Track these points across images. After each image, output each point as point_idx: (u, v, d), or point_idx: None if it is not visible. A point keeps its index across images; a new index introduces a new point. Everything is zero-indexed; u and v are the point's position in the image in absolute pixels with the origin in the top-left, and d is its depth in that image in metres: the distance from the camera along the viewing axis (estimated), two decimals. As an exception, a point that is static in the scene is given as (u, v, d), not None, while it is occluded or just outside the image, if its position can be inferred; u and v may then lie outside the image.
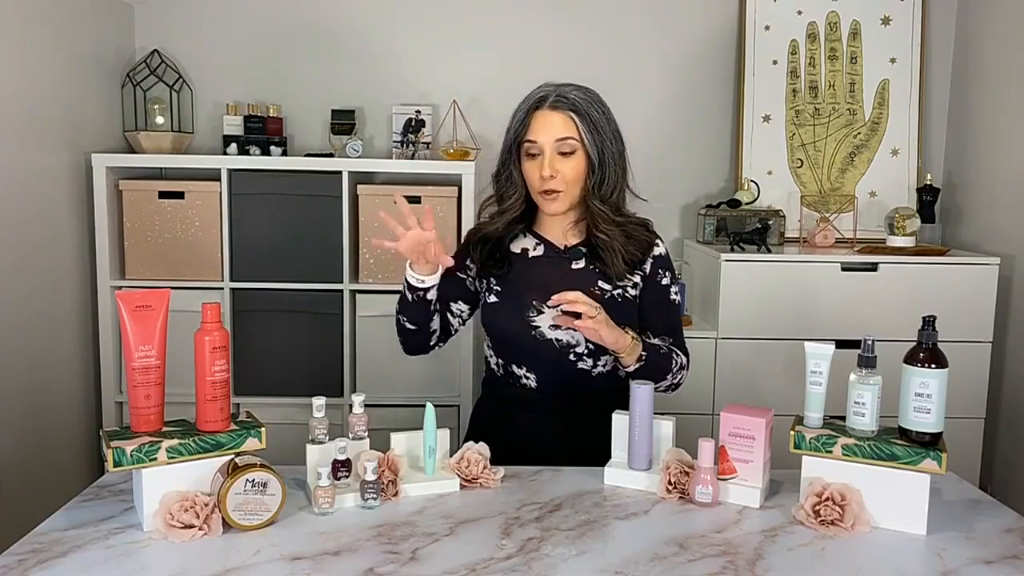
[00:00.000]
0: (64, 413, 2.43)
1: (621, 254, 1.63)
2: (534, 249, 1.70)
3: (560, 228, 1.69)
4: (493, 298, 1.68)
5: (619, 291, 1.65)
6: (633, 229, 1.66)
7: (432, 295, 1.61)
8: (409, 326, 1.67)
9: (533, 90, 1.64)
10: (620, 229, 1.64)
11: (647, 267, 1.68)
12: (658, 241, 1.70)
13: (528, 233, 1.72)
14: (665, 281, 1.69)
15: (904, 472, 1.30)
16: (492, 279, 1.69)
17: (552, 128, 1.58)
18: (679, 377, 1.68)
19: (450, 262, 1.58)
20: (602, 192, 1.62)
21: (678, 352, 1.68)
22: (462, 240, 1.74)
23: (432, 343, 1.72)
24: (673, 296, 1.70)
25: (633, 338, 1.56)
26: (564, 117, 1.59)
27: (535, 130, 1.59)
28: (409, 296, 1.62)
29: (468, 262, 1.71)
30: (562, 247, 1.69)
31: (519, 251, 1.70)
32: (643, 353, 1.58)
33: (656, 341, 1.66)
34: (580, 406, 1.67)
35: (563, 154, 1.59)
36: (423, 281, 1.58)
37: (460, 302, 1.72)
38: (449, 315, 1.72)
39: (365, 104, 2.84)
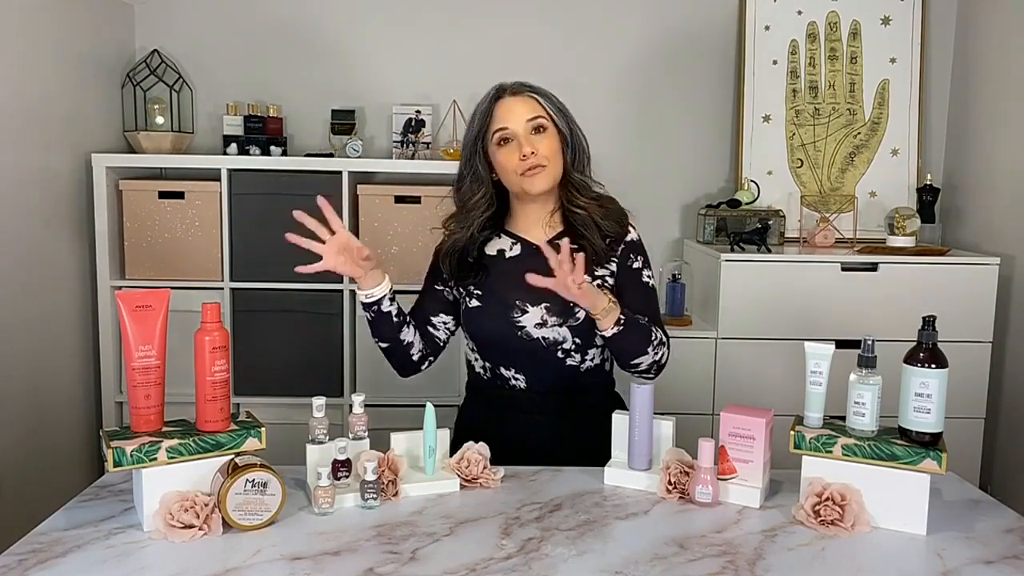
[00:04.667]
0: (64, 413, 2.43)
1: (599, 229, 1.63)
2: (511, 249, 1.69)
3: (538, 222, 1.68)
4: (475, 303, 1.66)
5: (597, 281, 1.64)
6: (605, 200, 1.68)
7: (389, 307, 1.61)
8: (382, 345, 1.67)
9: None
10: (596, 202, 1.66)
11: (619, 252, 1.67)
12: (631, 227, 1.70)
13: (503, 234, 1.70)
14: (636, 265, 1.68)
15: (904, 472, 1.30)
16: (470, 284, 1.67)
17: (520, 111, 1.61)
18: (660, 354, 1.62)
19: (368, 251, 1.55)
20: (576, 165, 1.66)
21: (656, 330, 1.64)
22: (431, 266, 1.74)
23: (417, 359, 1.70)
24: (646, 279, 1.69)
25: (611, 300, 1.54)
26: (528, 99, 1.62)
27: (503, 117, 1.61)
28: (368, 315, 1.62)
29: (444, 275, 1.70)
30: (538, 245, 1.68)
31: (495, 253, 1.69)
32: (621, 317, 1.55)
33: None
34: (571, 403, 1.67)
35: (535, 132, 1.60)
36: (372, 295, 1.59)
37: (442, 315, 1.71)
38: (432, 329, 1.71)
39: (365, 104, 2.84)
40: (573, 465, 1.55)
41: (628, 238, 1.69)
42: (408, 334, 1.67)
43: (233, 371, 2.18)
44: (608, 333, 1.56)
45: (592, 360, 1.67)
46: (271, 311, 2.57)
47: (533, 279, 1.48)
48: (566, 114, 1.65)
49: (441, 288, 1.71)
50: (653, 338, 1.61)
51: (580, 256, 1.46)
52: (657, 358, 1.62)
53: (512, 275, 1.64)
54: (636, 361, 1.60)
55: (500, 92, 1.64)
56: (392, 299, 1.62)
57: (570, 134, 1.64)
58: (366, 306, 1.61)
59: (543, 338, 1.63)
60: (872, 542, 1.28)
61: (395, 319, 1.64)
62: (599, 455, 1.53)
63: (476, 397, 1.76)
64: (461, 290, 1.70)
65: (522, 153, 1.58)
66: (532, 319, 1.63)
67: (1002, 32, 2.62)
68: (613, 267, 1.67)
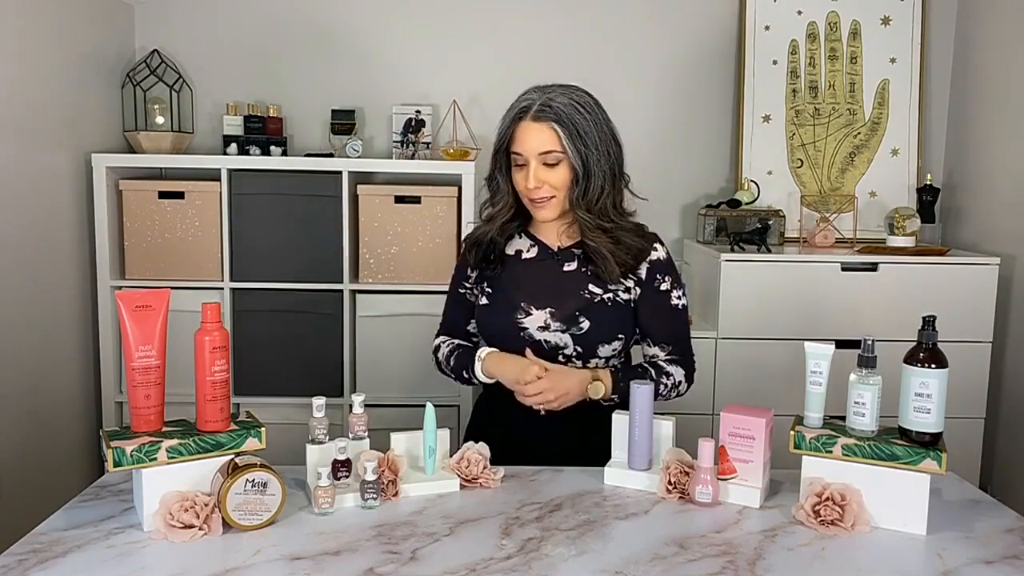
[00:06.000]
0: (64, 413, 2.43)
1: (612, 260, 1.60)
2: (528, 251, 1.70)
3: (555, 230, 1.69)
4: (484, 300, 1.69)
5: (609, 295, 1.63)
6: (624, 235, 1.62)
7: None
8: (459, 383, 1.77)
9: (520, 95, 1.62)
10: (608, 236, 1.60)
11: (643, 272, 1.64)
12: (656, 245, 1.65)
13: (523, 234, 1.72)
14: (664, 287, 1.65)
15: (904, 472, 1.30)
16: (484, 282, 1.70)
17: (535, 141, 1.56)
18: (673, 395, 1.67)
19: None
20: (587, 200, 1.58)
21: (672, 370, 1.65)
22: (460, 256, 1.78)
23: None
24: (675, 301, 1.66)
25: (591, 382, 1.59)
26: (546, 128, 1.55)
27: (519, 141, 1.58)
28: (475, 382, 1.70)
29: (468, 271, 1.73)
30: (556, 248, 1.68)
31: (513, 252, 1.70)
32: (614, 397, 1.61)
33: (655, 352, 1.67)
34: (575, 407, 1.66)
35: (548, 165, 1.58)
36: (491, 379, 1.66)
37: (474, 322, 1.75)
38: (473, 338, 1.77)
39: (365, 104, 2.84)
40: (579, 466, 1.55)
41: (653, 257, 1.64)
42: None
43: (233, 371, 2.19)
44: (607, 402, 1.62)
45: (595, 367, 1.65)
46: (271, 311, 2.56)
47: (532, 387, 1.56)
48: (587, 142, 1.56)
49: (465, 292, 1.75)
50: (662, 390, 1.64)
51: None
52: (671, 398, 1.68)
53: (524, 276, 1.66)
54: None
55: (523, 113, 1.57)
56: None
57: (584, 169, 1.56)
58: (481, 382, 1.68)
59: (545, 341, 1.63)
60: (872, 542, 1.28)
61: None
62: (604, 457, 1.53)
63: (488, 394, 1.78)
64: (477, 286, 1.72)
65: (527, 184, 1.58)
66: (535, 322, 1.63)
67: (1002, 32, 2.62)
68: (630, 283, 1.64)
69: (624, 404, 1.55)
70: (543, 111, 1.56)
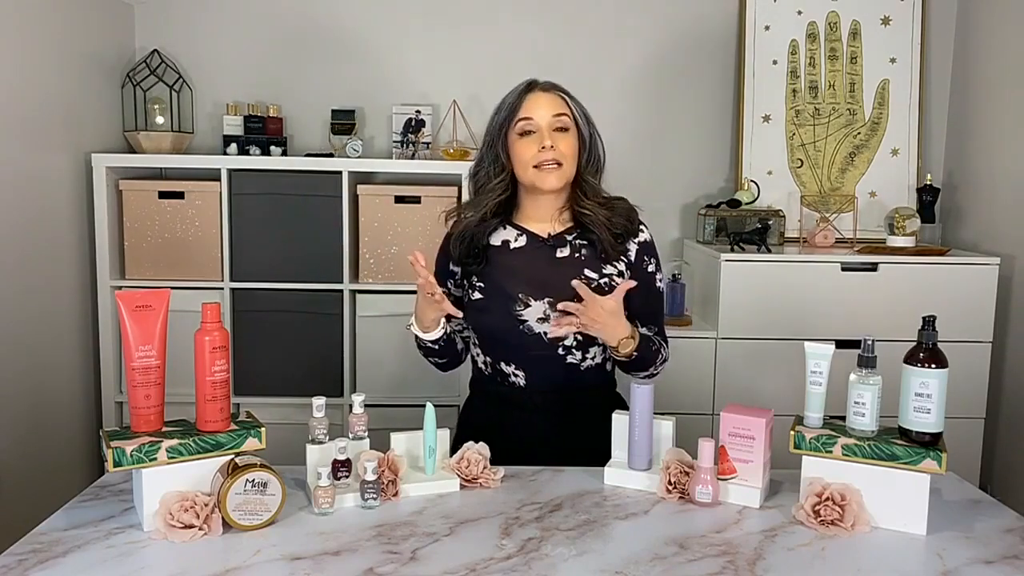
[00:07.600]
0: (64, 413, 2.43)
1: (607, 227, 1.65)
2: (515, 240, 1.68)
3: (548, 215, 1.68)
4: (477, 295, 1.66)
5: (605, 279, 1.64)
6: (614, 204, 1.69)
7: (448, 330, 1.68)
8: (440, 361, 1.75)
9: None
10: (603, 207, 1.67)
11: (632, 254, 1.68)
12: (642, 227, 1.71)
13: (508, 225, 1.70)
14: (651, 268, 1.70)
15: (904, 472, 1.30)
16: (474, 276, 1.68)
17: (547, 106, 1.64)
18: (660, 369, 1.70)
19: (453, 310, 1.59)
20: (589, 169, 1.68)
21: (663, 345, 1.70)
22: (439, 250, 1.76)
23: (463, 358, 1.79)
24: (659, 284, 1.72)
25: (631, 335, 1.58)
26: (557, 98, 1.65)
27: (529, 108, 1.63)
28: (434, 347, 1.68)
29: (451, 266, 1.71)
30: (546, 236, 1.68)
31: (499, 243, 1.68)
32: (635, 353, 1.60)
33: (648, 333, 1.68)
34: (570, 403, 1.67)
35: (557, 131, 1.63)
36: (435, 333, 1.65)
37: (454, 320, 1.72)
38: (455, 334, 1.75)
39: (365, 104, 2.84)
40: (573, 464, 1.55)
41: (641, 239, 1.70)
42: (459, 342, 1.75)
43: (233, 371, 2.19)
44: (621, 359, 1.63)
45: (593, 359, 1.66)
46: (271, 311, 2.57)
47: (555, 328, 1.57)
48: (589, 120, 1.69)
49: (446, 291, 1.70)
50: (659, 359, 1.68)
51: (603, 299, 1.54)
52: (657, 372, 1.69)
53: (516, 267, 1.65)
54: (636, 372, 1.67)
55: (531, 86, 1.67)
56: (445, 327, 1.67)
57: (589, 139, 1.68)
58: (432, 342, 1.67)
59: (544, 333, 1.63)
60: (872, 542, 1.28)
61: (451, 337, 1.71)
62: (599, 455, 1.53)
63: (478, 394, 1.77)
64: (464, 282, 1.70)
65: (541, 145, 1.61)
66: (534, 313, 1.62)
67: (1002, 32, 2.62)
68: (622, 266, 1.67)
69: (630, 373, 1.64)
70: (550, 85, 1.67)
